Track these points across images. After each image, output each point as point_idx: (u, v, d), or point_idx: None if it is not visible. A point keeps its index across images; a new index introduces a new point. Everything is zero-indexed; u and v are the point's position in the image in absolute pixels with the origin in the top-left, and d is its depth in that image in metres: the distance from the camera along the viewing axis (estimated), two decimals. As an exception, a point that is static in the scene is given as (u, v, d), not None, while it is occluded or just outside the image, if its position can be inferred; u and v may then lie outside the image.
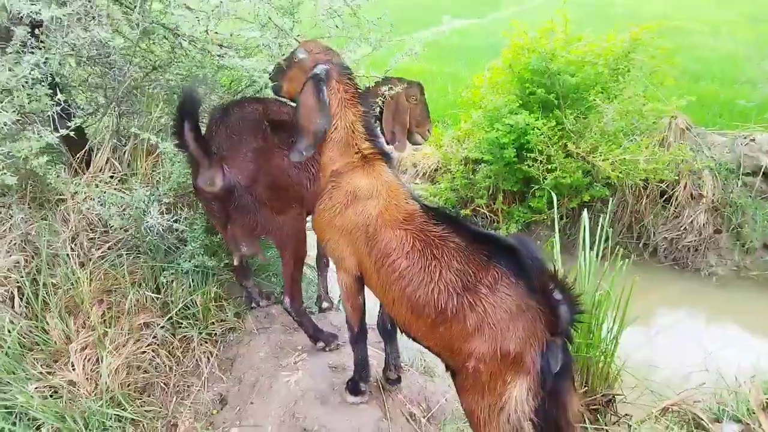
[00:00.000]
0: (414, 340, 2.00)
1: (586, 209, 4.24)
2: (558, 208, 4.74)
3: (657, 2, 14.48)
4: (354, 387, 2.45)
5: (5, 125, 2.06)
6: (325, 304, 3.34)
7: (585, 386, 3.57)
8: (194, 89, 2.41)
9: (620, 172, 5.35)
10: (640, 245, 6.27)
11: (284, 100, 2.57)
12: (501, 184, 6.08)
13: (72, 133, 2.43)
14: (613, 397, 3.59)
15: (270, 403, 2.42)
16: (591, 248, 3.70)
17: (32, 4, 1.92)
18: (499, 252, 1.78)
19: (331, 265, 3.22)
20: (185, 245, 2.84)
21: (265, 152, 2.57)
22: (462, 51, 11.34)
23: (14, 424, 2.41)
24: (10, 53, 2.13)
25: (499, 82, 6.06)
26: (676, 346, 4.71)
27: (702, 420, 2.82)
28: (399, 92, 3.02)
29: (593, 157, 5.45)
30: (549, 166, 5.54)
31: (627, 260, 3.70)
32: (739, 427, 2.73)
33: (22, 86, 2.12)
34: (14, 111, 2.12)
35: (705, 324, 5.27)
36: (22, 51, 2.13)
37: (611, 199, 6.07)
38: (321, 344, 2.81)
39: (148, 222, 2.57)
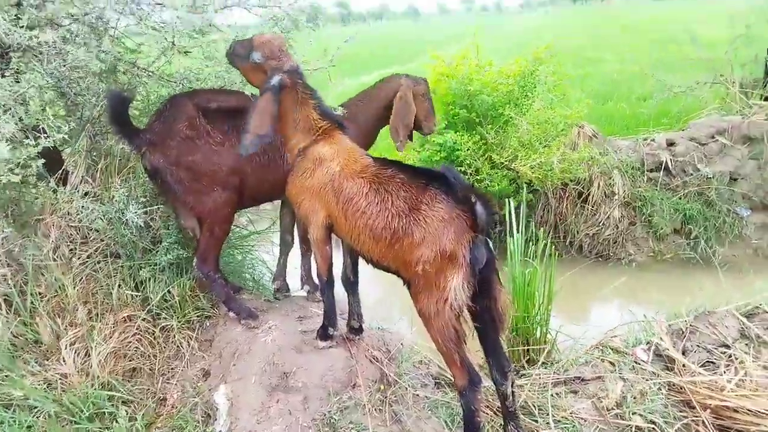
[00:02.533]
0: (376, 264, 2.47)
1: (510, 201, 4.82)
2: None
3: (575, 37, 16.08)
4: (324, 333, 2.84)
5: (6, 135, 2.42)
6: (306, 288, 3.60)
7: (527, 356, 4.03)
8: (116, 91, 2.83)
9: (539, 174, 6.03)
10: (566, 243, 6.93)
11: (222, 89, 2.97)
12: (436, 200, 6.61)
13: (52, 150, 2.80)
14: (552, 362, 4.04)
15: (251, 360, 2.76)
16: (517, 231, 4.26)
17: (29, 30, 2.34)
18: (432, 179, 2.31)
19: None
20: (160, 243, 3.19)
21: (191, 140, 2.91)
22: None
23: (14, 412, 2.64)
24: (8, 75, 2.53)
25: (425, 107, 6.70)
26: (603, 316, 5.30)
27: (618, 348, 3.31)
28: (407, 91, 3.36)
29: (515, 164, 6.13)
30: (478, 177, 6.17)
31: (547, 242, 4.26)
32: (647, 347, 3.25)
33: (20, 103, 2.51)
34: (15, 124, 2.49)
35: (627, 299, 5.88)
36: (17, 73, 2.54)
37: (537, 203, 6.80)
38: (233, 314, 3.11)
39: (128, 216, 2.93)
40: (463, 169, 6.16)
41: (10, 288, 2.96)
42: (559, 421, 2.60)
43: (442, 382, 2.94)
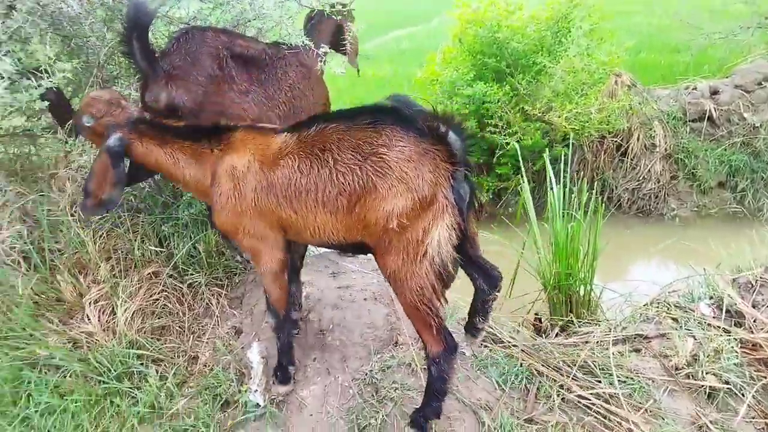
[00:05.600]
0: (345, 246, 2.07)
1: (547, 150, 4.51)
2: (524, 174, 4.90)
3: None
4: (283, 374, 2.40)
5: (3, 75, 2.20)
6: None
7: (570, 314, 3.80)
8: (144, 2, 2.34)
9: (575, 126, 5.68)
10: (605, 199, 6.59)
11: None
12: (467, 157, 6.32)
13: (60, 98, 2.57)
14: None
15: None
16: (557, 183, 3.97)
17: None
18: (381, 116, 1.87)
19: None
20: (182, 198, 2.99)
21: (218, 81, 2.55)
22: (414, 54, 11.73)
23: (40, 372, 2.51)
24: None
25: (452, 57, 6.36)
26: (650, 273, 5.01)
27: (679, 304, 3.05)
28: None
29: (549, 115, 5.78)
30: (509, 131, 5.83)
31: (592, 192, 3.97)
32: (711, 302, 2.99)
33: (17, 41, 2.27)
34: (13, 64, 2.27)
35: (674, 255, 5.58)
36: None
37: (572, 157, 6.45)
38: None
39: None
40: (493, 122, 5.84)
41: (27, 245, 2.80)
42: (624, 381, 2.37)
43: (490, 341, 2.72)
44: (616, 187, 6.56)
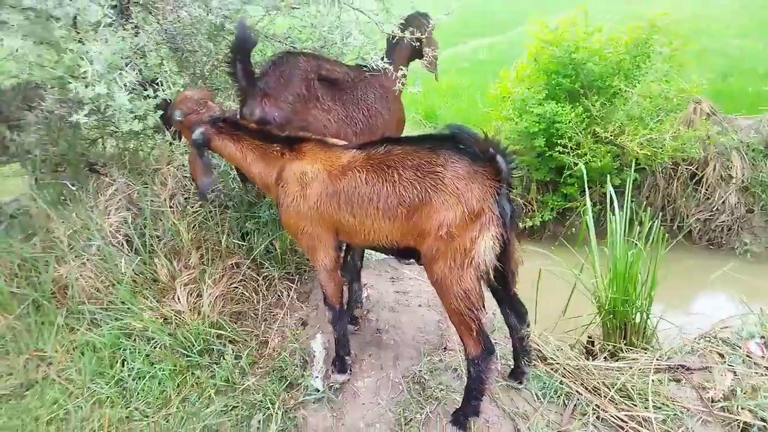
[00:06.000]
0: (396, 250, 2.34)
1: (615, 174, 4.52)
2: (590, 196, 4.91)
3: (687, 6, 14.79)
4: (341, 364, 2.66)
5: (127, 85, 2.61)
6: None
7: (623, 340, 3.84)
8: (249, 29, 2.69)
9: (648, 152, 5.64)
10: (674, 228, 6.47)
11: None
12: (533, 174, 6.40)
13: (168, 104, 2.98)
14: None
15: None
16: (621, 209, 4.01)
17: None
18: (440, 142, 2.16)
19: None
20: (264, 198, 3.34)
21: (305, 100, 2.88)
22: (489, 65, 11.80)
23: (134, 342, 2.92)
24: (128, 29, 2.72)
25: (525, 75, 6.46)
26: (711, 306, 4.94)
27: (729, 340, 3.09)
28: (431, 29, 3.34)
29: (621, 139, 5.77)
30: (579, 152, 5.86)
31: (655, 224, 3.99)
32: (762, 341, 3.01)
33: (140, 56, 2.68)
34: (136, 73, 2.68)
35: (740, 290, 5.43)
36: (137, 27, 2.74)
37: (643, 183, 6.38)
38: None
39: (232, 174, 3.08)
40: (563, 142, 5.90)
41: (131, 230, 3.24)
42: (659, 407, 2.48)
43: (535, 357, 2.88)
44: (688, 216, 6.43)
